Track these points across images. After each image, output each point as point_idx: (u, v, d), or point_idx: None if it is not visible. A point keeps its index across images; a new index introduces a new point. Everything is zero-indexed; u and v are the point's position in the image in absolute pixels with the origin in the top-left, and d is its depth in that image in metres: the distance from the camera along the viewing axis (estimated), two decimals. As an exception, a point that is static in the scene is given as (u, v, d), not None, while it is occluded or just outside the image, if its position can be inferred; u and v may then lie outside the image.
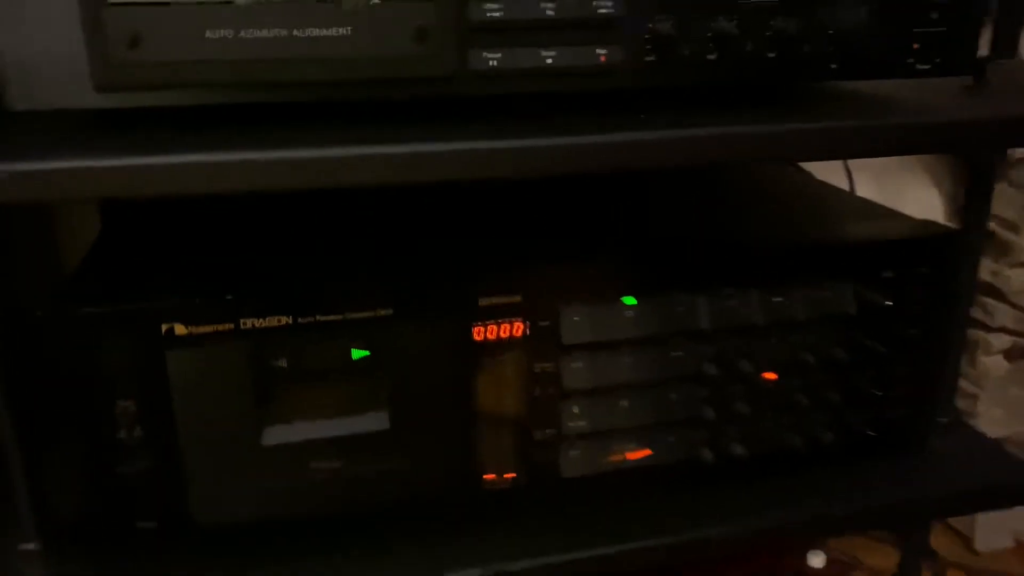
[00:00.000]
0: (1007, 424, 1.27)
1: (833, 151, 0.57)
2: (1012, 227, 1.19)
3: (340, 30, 0.47)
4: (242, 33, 0.46)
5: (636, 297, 0.59)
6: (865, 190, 1.07)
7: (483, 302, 0.56)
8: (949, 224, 1.35)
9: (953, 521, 1.25)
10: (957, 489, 0.68)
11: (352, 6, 0.47)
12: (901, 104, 0.59)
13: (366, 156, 0.47)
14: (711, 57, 0.53)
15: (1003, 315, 1.20)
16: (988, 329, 1.21)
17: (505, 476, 0.61)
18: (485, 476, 0.60)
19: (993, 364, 1.22)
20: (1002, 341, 1.22)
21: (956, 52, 0.57)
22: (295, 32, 0.47)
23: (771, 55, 0.54)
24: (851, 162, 1.05)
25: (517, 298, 0.57)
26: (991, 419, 1.26)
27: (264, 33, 0.46)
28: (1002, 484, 0.69)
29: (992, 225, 1.16)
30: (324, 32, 0.47)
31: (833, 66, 0.56)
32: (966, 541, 1.23)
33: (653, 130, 0.51)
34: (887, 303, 0.63)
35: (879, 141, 0.56)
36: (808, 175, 0.91)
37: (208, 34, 0.46)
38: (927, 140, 0.58)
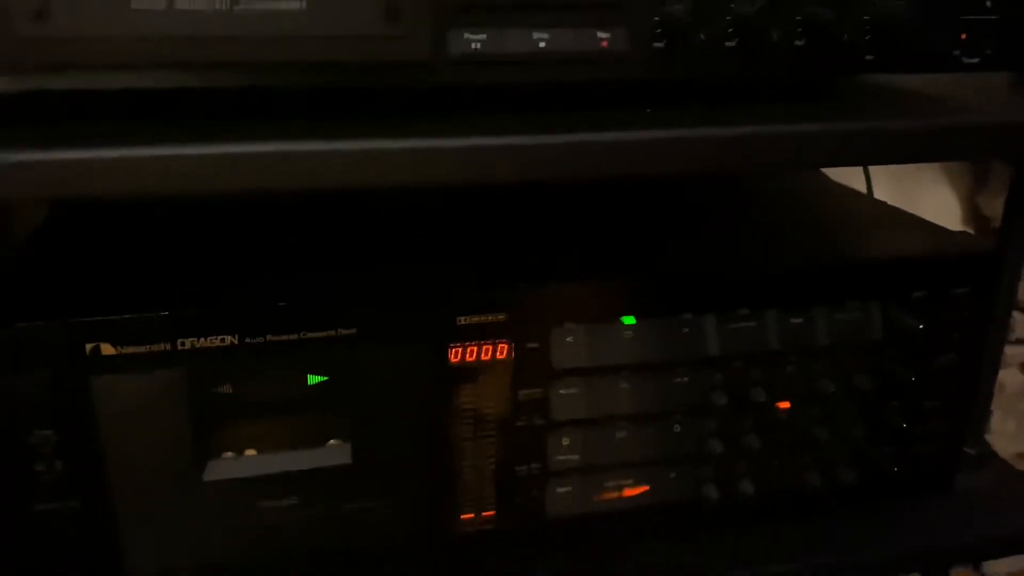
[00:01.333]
0: (1021, 438, 1.21)
1: (856, 157, 0.50)
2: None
3: (294, 4, 0.40)
4: (176, 4, 0.39)
5: (636, 317, 0.52)
6: (881, 186, 1.00)
7: (462, 320, 0.49)
8: (965, 224, 1.29)
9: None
10: (989, 534, 0.61)
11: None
12: (944, 103, 0.52)
13: (328, 153, 0.40)
14: (730, 45, 0.46)
15: (1022, 325, 1.13)
16: (1006, 341, 1.14)
17: (484, 515, 0.54)
18: (462, 516, 0.53)
19: (1009, 377, 1.16)
20: (1019, 352, 1.16)
21: (1009, 43, 0.50)
22: (240, 5, 0.39)
23: (799, 44, 0.47)
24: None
25: (501, 317, 0.50)
26: (1004, 433, 1.19)
27: (203, 5, 0.39)
28: (1036, 526, 0.62)
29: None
30: (276, 5, 0.40)
31: (869, 58, 0.49)
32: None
33: (658, 128, 0.44)
34: (919, 327, 0.56)
35: (913, 146, 0.49)
36: (822, 175, 0.84)
37: (134, 4, 0.38)
38: (971, 145, 0.50)
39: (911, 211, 1.19)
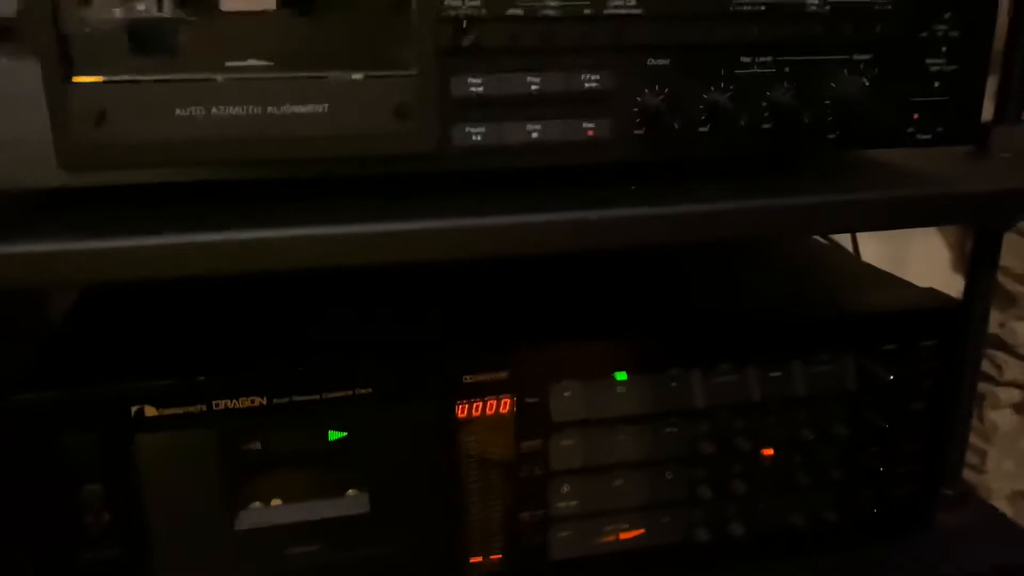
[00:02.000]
0: (1018, 478, 1.24)
1: (824, 227, 0.55)
2: (1019, 279, 1.16)
3: (317, 107, 0.46)
4: (214, 111, 0.45)
5: (628, 373, 0.57)
6: (873, 236, 1.04)
7: (468, 379, 0.54)
8: (958, 275, 1.33)
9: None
10: (966, 570, 0.65)
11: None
12: (911, 175, 0.57)
13: (347, 236, 0.45)
14: (703, 130, 0.52)
15: (1011, 368, 1.17)
16: (996, 383, 1.18)
17: (492, 558, 0.58)
18: (471, 559, 0.58)
19: (1001, 418, 1.19)
20: (1010, 395, 1.19)
21: (958, 121, 0.56)
22: (270, 109, 0.45)
23: (766, 127, 0.53)
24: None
25: (503, 375, 0.55)
26: (1002, 474, 1.22)
27: (237, 111, 0.45)
28: (1015, 563, 0.66)
29: (998, 276, 1.14)
30: (301, 109, 0.45)
31: (831, 136, 0.54)
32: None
33: (642, 207, 0.49)
34: (890, 377, 0.60)
35: (879, 215, 0.54)
36: (825, 248, 0.89)
37: (178, 112, 0.44)
38: (931, 213, 0.55)
39: (902, 258, 1.23)
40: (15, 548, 0.51)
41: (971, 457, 1.21)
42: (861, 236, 0.94)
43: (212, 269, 0.44)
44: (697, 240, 0.52)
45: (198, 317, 0.61)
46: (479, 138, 0.48)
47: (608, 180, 0.53)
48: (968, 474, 1.04)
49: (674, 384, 0.58)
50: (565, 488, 0.58)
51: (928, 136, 0.56)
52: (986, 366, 1.17)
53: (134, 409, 0.49)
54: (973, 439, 1.19)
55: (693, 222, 0.50)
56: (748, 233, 0.52)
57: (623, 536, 0.60)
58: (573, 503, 0.58)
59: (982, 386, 1.18)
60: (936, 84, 0.55)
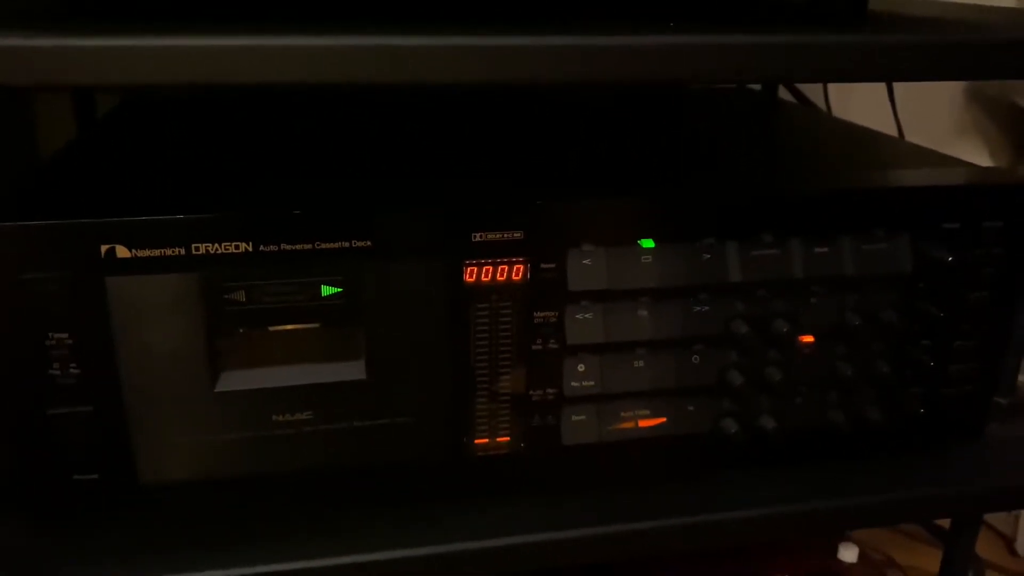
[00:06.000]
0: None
1: (884, 70, 0.48)
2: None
3: None
4: None
5: (655, 240, 0.51)
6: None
7: (478, 237, 0.49)
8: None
9: (994, 520, 1.15)
10: (1014, 487, 0.59)
11: None
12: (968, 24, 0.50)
13: (364, 47, 0.39)
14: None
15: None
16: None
17: (499, 441, 0.53)
18: (476, 440, 0.53)
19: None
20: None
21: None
22: None
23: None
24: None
25: (518, 235, 0.49)
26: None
27: None
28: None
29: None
30: None
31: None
32: (1007, 543, 1.14)
33: (673, 35, 0.43)
34: (948, 259, 0.54)
35: (937, 59, 0.47)
36: (860, 128, 0.82)
37: None
38: (992, 61, 0.48)
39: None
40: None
41: None
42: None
43: (207, 78, 0.38)
44: (739, 77, 0.45)
45: (195, 155, 0.56)
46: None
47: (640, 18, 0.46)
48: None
49: (707, 256, 0.52)
50: (581, 367, 0.52)
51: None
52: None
53: (104, 248, 0.44)
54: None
55: (732, 52, 0.44)
56: (788, 72, 0.46)
57: (643, 424, 0.55)
58: (589, 384, 0.53)
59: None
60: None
